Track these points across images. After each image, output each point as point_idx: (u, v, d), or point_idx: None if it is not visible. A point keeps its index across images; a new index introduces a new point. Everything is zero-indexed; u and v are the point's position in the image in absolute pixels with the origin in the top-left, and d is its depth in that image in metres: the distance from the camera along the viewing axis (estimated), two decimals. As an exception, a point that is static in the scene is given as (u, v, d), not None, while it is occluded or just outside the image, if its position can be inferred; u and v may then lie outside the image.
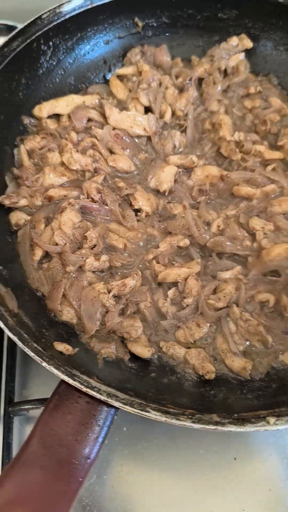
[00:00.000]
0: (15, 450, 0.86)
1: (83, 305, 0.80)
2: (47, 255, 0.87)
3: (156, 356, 0.82)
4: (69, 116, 1.01)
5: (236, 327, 0.84)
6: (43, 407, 0.79)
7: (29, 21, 0.95)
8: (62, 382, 0.66)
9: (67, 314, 0.81)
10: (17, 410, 0.85)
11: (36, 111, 1.00)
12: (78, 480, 0.58)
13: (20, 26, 1.32)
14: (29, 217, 0.90)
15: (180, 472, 0.87)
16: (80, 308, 0.80)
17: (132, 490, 0.85)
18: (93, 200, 0.90)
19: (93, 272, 0.85)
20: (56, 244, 0.84)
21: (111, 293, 0.80)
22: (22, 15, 1.36)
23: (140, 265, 0.90)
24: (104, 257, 0.84)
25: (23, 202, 0.89)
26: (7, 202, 0.87)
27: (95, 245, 0.85)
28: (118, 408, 0.64)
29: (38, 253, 0.85)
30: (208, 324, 0.85)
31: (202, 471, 0.87)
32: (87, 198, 0.90)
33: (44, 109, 1.00)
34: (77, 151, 0.95)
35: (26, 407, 0.84)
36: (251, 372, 0.79)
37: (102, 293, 0.81)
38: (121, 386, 0.67)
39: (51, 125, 1.00)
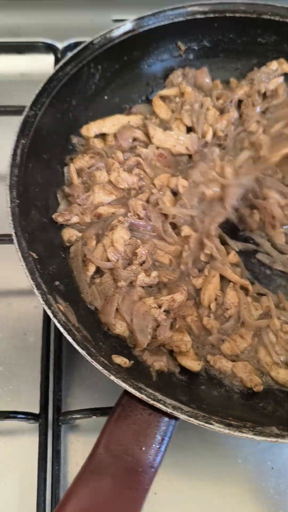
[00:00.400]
0: (62, 457, 0.89)
1: (135, 319, 0.84)
2: (98, 271, 0.91)
3: (204, 369, 0.85)
4: (115, 136, 1.05)
5: (276, 338, 0.87)
6: (94, 417, 0.86)
7: (81, 46, 0.99)
8: (125, 394, 0.70)
9: (120, 328, 0.84)
10: (68, 419, 0.89)
11: (84, 131, 1.04)
12: (145, 488, 0.62)
13: (56, 44, 1.41)
14: (80, 234, 0.94)
15: (218, 481, 0.90)
16: (132, 322, 0.84)
17: (174, 497, 0.88)
18: (139, 217, 0.94)
19: (143, 287, 0.89)
20: (109, 260, 0.88)
21: (162, 308, 0.84)
22: (59, 33, 1.44)
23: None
24: (154, 273, 0.89)
25: (75, 219, 0.93)
26: (60, 220, 0.92)
27: (144, 261, 0.89)
28: (178, 419, 0.68)
29: (91, 269, 0.89)
30: (251, 335, 0.88)
31: (240, 480, 0.90)
32: (134, 215, 0.95)
33: (91, 129, 1.04)
34: (124, 170, 0.99)
35: (78, 416, 0.87)
36: None
37: (153, 308, 0.84)
38: (178, 399, 0.70)
39: (98, 144, 1.04)
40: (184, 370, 0.84)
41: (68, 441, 0.92)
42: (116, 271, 0.87)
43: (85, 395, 0.96)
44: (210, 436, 0.92)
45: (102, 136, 1.06)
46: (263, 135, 1.08)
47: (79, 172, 1.00)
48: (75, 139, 1.03)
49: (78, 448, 0.92)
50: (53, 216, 0.91)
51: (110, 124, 1.05)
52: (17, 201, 0.81)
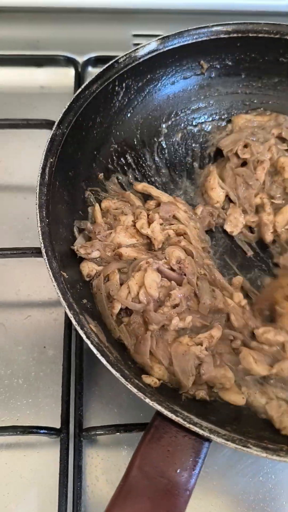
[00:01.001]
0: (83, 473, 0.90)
1: (174, 360, 0.82)
2: (126, 309, 0.88)
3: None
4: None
5: None
6: (118, 433, 0.86)
7: (107, 65, 1.00)
8: (157, 415, 0.70)
9: (159, 371, 0.83)
10: (91, 434, 0.89)
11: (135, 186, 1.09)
12: (180, 511, 0.62)
13: (77, 57, 1.43)
14: (99, 267, 0.91)
15: (239, 498, 0.90)
16: (172, 364, 0.82)
17: (197, 512, 0.88)
18: (171, 268, 0.91)
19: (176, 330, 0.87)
20: (139, 302, 0.85)
21: (204, 345, 0.83)
22: (78, 47, 1.47)
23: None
24: (188, 318, 0.85)
25: (95, 254, 0.91)
26: (82, 252, 0.90)
27: (177, 304, 0.86)
28: (212, 441, 0.68)
29: (117, 306, 0.86)
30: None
31: (261, 498, 0.90)
32: (166, 264, 0.91)
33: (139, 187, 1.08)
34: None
35: (101, 432, 0.88)
36: None
37: (191, 346, 0.83)
38: (208, 419, 0.70)
39: (135, 200, 1.04)
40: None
41: (88, 456, 0.93)
42: (147, 313, 0.84)
43: (106, 409, 0.97)
44: (231, 452, 0.93)
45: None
46: (285, 157, 1.11)
47: (104, 213, 1.00)
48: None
49: (97, 463, 0.92)
50: (74, 248, 0.90)
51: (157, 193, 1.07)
52: (47, 220, 0.82)
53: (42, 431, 0.90)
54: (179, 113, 1.18)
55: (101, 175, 1.05)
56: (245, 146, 1.11)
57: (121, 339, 0.85)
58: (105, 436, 0.93)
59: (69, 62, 1.41)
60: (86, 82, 0.97)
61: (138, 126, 1.12)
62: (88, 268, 0.91)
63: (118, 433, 0.86)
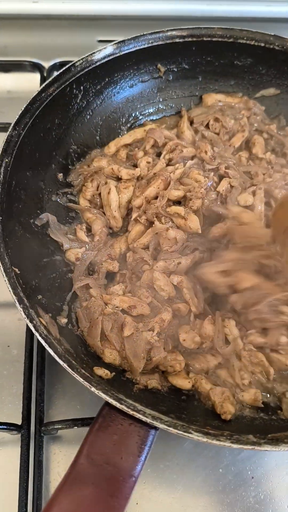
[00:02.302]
0: (44, 468, 0.90)
1: (126, 344, 0.85)
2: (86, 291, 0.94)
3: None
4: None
5: (240, 360, 0.89)
6: (76, 427, 0.87)
7: (63, 68, 1.02)
8: (105, 405, 0.72)
9: (110, 356, 0.86)
10: (50, 429, 0.90)
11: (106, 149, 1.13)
12: (126, 497, 0.63)
13: (43, 63, 1.45)
14: (81, 249, 0.99)
15: (200, 491, 0.92)
16: (125, 348, 0.85)
17: (155, 507, 0.90)
18: None
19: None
20: None
21: (155, 331, 0.86)
22: (45, 52, 1.49)
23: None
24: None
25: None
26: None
27: None
28: (158, 429, 0.70)
29: None
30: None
31: (221, 490, 0.92)
32: None
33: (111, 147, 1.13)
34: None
35: (59, 426, 0.89)
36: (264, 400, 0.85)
37: (144, 331, 0.86)
38: (158, 409, 0.72)
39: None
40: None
41: (51, 452, 0.94)
42: None
43: (68, 406, 0.98)
44: (192, 446, 0.95)
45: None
46: (257, 135, 1.18)
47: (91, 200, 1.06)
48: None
49: (60, 459, 0.93)
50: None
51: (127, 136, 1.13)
52: (0, 218, 0.83)
53: (1, 427, 0.90)
54: (139, 115, 1.21)
55: (60, 175, 1.07)
56: (216, 120, 1.15)
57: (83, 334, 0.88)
58: (68, 433, 0.94)
59: (35, 67, 1.44)
60: (43, 85, 0.99)
61: (97, 127, 1.15)
62: (73, 255, 0.97)
63: (76, 427, 0.87)
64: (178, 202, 1.01)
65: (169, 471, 0.93)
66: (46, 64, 1.46)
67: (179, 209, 0.95)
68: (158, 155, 1.12)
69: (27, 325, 1.01)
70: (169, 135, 1.11)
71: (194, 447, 0.95)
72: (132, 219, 1.00)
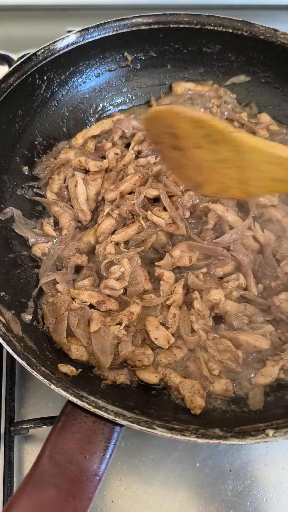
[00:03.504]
0: (15, 469, 0.88)
1: (93, 339, 0.83)
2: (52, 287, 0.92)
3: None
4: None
5: (206, 351, 0.87)
6: (45, 426, 0.85)
7: (24, 58, 0.99)
8: (69, 402, 0.69)
9: (77, 352, 0.83)
10: (19, 429, 0.88)
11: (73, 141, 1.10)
12: (89, 497, 0.62)
13: (11, 55, 1.42)
14: (48, 244, 0.96)
15: (177, 485, 0.90)
16: (92, 344, 0.83)
17: (131, 504, 0.88)
18: None
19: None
20: None
21: (123, 324, 0.84)
22: (14, 44, 1.45)
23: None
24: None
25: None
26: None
27: None
28: (123, 426, 0.68)
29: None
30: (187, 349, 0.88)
31: (198, 484, 0.90)
32: None
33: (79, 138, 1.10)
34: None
35: (28, 426, 0.87)
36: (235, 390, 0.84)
37: (111, 325, 0.84)
38: (125, 405, 0.71)
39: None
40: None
41: (24, 452, 0.92)
42: None
43: (41, 404, 0.96)
44: (168, 441, 0.93)
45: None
46: None
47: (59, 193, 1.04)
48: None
49: (33, 459, 0.86)
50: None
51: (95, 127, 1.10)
52: None
53: None
54: (107, 105, 1.18)
55: (25, 168, 1.04)
56: None
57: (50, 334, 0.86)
58: (40, 432, 0.92)
59: (3, 59, 1.41)
60: (2, 76, 0.96)
61: (64, 119, 1.12)
62: (40, 250, 0.95)
63: (45, 426, 0.85)
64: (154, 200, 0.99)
65: (144, 467, 0.91)
66: (15, 56, 1.43)
67: (160, 222, 0.94)
68: (127, 146, 1.09)
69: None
70: (138, 125, 1.08)
71: (169, 441, 0.93)
72: (104, 213, 0.97)
